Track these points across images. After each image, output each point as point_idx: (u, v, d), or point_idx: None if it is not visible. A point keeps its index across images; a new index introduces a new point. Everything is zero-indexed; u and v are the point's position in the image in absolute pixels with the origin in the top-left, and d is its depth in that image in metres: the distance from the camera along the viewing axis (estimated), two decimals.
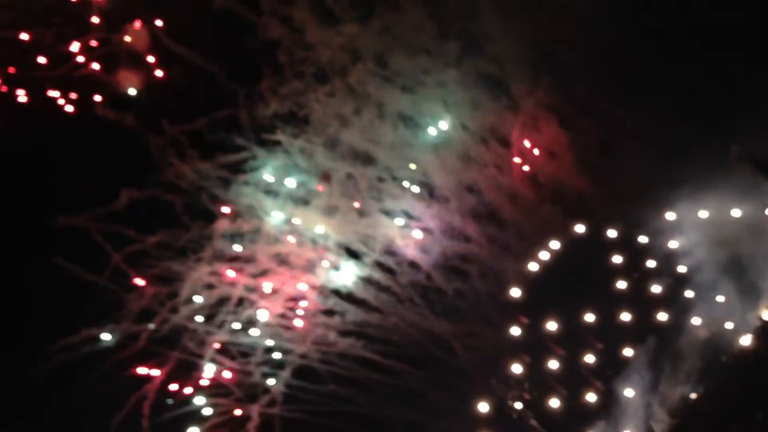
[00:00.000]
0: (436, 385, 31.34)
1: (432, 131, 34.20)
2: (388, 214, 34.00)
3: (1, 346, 32.09)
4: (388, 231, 33.62)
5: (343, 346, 33.10)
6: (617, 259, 29.01)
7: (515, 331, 28.63)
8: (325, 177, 33.59)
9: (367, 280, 33.48)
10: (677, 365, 27.30)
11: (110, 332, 33.42)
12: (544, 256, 29.27)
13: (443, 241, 33.52)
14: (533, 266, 29.23)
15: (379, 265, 33.59)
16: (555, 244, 29.27)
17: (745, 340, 26.72)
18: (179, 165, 34.30)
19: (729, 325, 27.52)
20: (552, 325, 28.56)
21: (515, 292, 28.90)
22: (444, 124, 34.09)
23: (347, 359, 32.88)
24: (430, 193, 34.09)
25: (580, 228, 29.23)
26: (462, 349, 31.71)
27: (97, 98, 35.51)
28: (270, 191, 34.23)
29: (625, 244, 29.14)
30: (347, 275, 33.60)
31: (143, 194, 34.06)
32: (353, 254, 33.99)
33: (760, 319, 26.60)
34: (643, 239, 29.02)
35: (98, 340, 33.26)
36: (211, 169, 34.22)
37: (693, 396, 26.88)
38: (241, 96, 34.95)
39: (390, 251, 33.76)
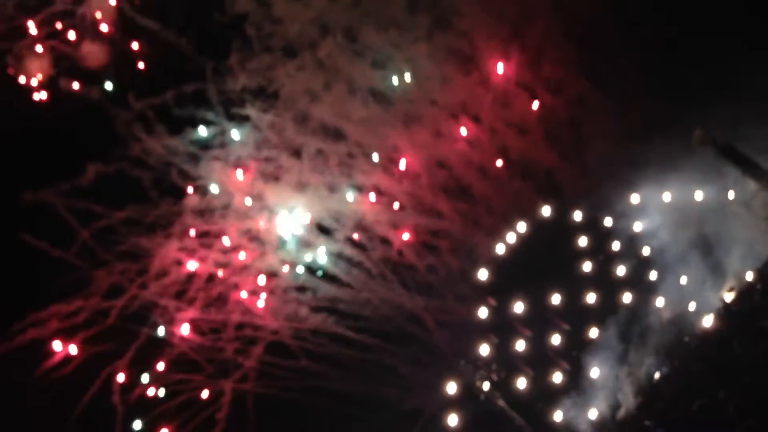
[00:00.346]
0: (407, 360, 31.73)
1: (402, 106, 33.77)
2: (359, 189, 33.74)
3: None
4: (359, 207, 33.35)
5: (314, 321, 33.20)
6: (582, 241, 29.14)
7: (483, 312, 28.63)
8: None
9: (338, 256, 33.60)
10: (642, 345, 27.63)
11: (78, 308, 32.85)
12: (510, 238, 29.38)
13: (414, 217, 33.65)
14: (500, 248, 29.35)
15: (351, 241, 33.55)
16: (522, 227, 29.46)
17: (708, 321, 26.91)
18: (147, 140, 33.62)
19: (692, 307, 27.79)
20: (519, 307, 28.64)
21: (482, 274, 29.01)
22: (414, 100, 33.80)
23: (319, 335, 33.06)
24: (400, 168, 33.76)
25: (546, 210, 29.38)
26: (434, 325, 32.08)
27: (61, 72, 34.99)
28: (239, 166, 33.68)
29: (590, 226, 29.37)
30: (318, 251, 33.54)
31: (110, 168, 33.49)
32: (324, 230, 33.54)
33: (722, 300, 26.96)
34: (608, 221, 29.36)
35: (67, 315, 32.85)
36: (179, 144, 33.72)
37: (657, 375, 27.02)
38: (209, 70, 34.13)
39: (361, 227, 33.52)
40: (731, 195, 28.48)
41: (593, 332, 28.66)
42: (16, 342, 33.46)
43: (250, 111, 35.13)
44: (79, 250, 34.24)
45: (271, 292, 34.68)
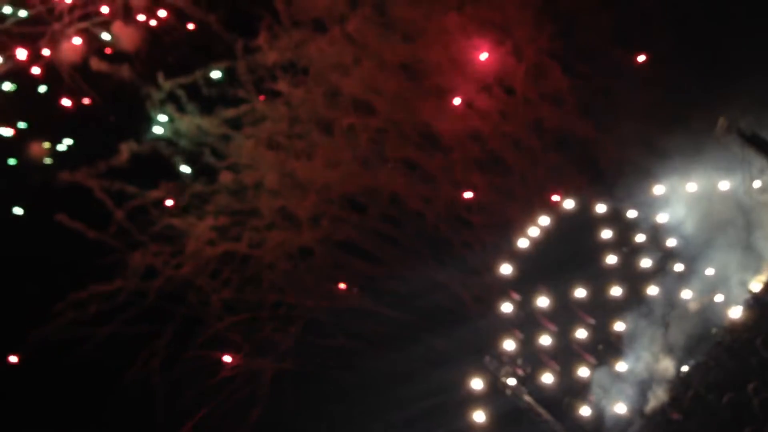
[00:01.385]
0: (444, 336, 32.18)
1: (432, 80, 33.74)
2: (391, 164, 33.98)
3: (9, 304, 33.33)
4: (392, 182, 33.61)
5: (350, 299, 33.69)
6: (606, 233, 29.25)
7: (506, 307, 28.96)
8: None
9: (372, 232, 33.89)
10: (669, 338, 27.72)
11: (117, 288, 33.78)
12: (533, 232, 29.54)
13: (448, 191, 33.82)
14: (523, 242, 29.58)
15: (385, 216, 33.79)
16: (544, 220, 29.59)
17: (735, 313, 26.92)
18: (178, 119, 33.89)
19: (719, 298, 27.73)
20: (543, 301, 29.01)
21: (505, 269, 29.30)
22: (445, 72, 33.72)
23: (355, 312, 33.53)
24: (433, 142, 33.83)
25: (569, 203, 29.39)
26: (470, 300, 32.42)
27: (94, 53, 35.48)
28: (272, 144, 34.05)
29: (614, 218, 29.38)
30: (352, 228, 33.91)
31: (143, 148, 33.79)
32: (358, 206, 33.66)
33: (750, 291, 26.94)
34: (631, 213, 29.24)
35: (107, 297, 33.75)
36: (211, 123, 33.89)
37: (685, 368, 27.15)
38: (238, 47, 34.21)
39: (395, 202, 33.77)
40: (757, 184, 27.94)
41: (619, 326, 28.58)
42: (58, 322, 33.84)
43: (281, 87, 34.27)
44: (115, 232, 34.57)
45: (306, 270, 34.13)
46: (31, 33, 36.01)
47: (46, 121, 35.53)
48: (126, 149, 34.76)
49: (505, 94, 34.05)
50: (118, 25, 35.78)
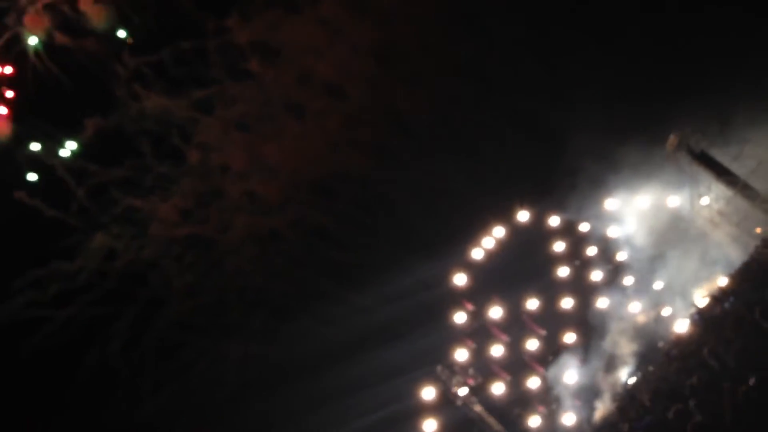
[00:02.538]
0: (396, 346, 32.61)
1: (402, 65, 33.93)
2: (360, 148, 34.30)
3: None
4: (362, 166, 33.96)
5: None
6: (559, 246, 29.94)
7: (460, 317, 29.69)
8: None
9: (342, 217, 34.23)
10: (617, 350, 28.59)
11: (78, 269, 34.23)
12: (488, 243, 30.18)
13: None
14: (478, 253, 30.17)
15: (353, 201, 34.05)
16: (499, 231, 30.18)
17: (681, 326, 27.79)
18: (145, 99, 34.13)
19: (666, 312, 28.54)
20: (496, 312, 29.67)
21: (460, 279, 29.89)
22: (417, 57, 33.93)
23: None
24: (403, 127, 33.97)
25: (524, 216, 30.04)
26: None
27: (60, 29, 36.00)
28: (241, 126, 34.18)
29: (567, 230, 30.00)
30: (323, 212, 34.18)
31: (109, 124, 33.95)
32: (326, 191, 34.12)
33: (695, 306, 27.69)
34: (584, 227, 29.88)
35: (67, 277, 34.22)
36: (179, 103, 34.16)
37: (632, 380, 28.02)
38: (209, 26, 34.94)
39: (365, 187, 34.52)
40: (705, 201, 28.73)
41: (569, 337, 29.25)
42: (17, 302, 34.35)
43: (252, 69, 34.78)
44: (77, 211, 35.11)
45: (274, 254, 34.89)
46: None
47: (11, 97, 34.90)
48: (91, 126, 34.15)
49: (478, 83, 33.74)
50: (85, 2, 35.05)
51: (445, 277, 31.59)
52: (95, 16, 35.89)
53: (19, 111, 35.66)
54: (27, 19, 35.84)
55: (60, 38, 35.83)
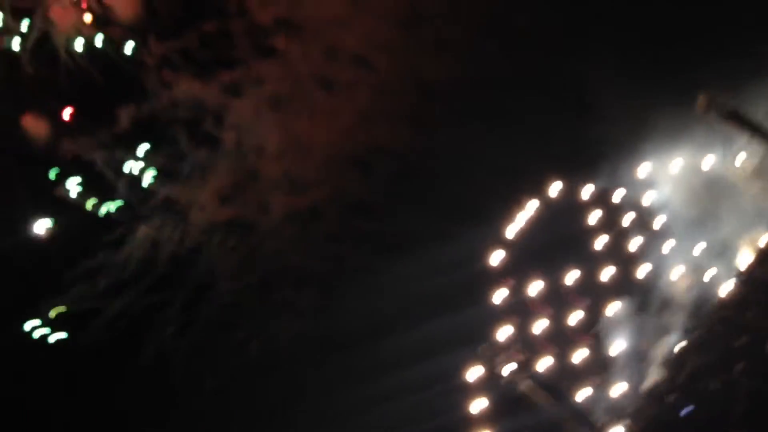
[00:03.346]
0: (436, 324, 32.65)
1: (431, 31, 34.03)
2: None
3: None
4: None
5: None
6: (594, 216, 29.64)
7: (500, 295, 29.54)
8: None
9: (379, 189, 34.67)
10: (662, 318, 28.43)
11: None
12: (521, 218, 30.00)
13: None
14: (512, 229, 29.98)
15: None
16: (532, 205, 29.98)
17: (726, 289, 27.58)
18: (175, 86, 34.78)
19: (709, 275, 28.28)
20: (536, 286, 29.38)
21: (496, 257, 29.70)
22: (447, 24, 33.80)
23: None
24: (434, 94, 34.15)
25: (555, 188, 29.81)
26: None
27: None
28: (271, 105, 34.57)
29: (601, 200, 29.74)
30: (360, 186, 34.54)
31: (141, 114, 34.71)
32: (362, 165, 34.79)
33: (738, 267, 27.39)
34: (617, 195, 29.64)
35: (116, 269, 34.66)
36: (208, 88, 34.55)
37: (679, 347, 27.83)
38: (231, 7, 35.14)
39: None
40: (740, 159, 28.36)
41: (612, 308, 29.03)
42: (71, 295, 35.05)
43: (277, 46, 35.14)
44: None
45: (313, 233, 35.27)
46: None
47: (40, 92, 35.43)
48: (125, 116, 34.58)
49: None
50: None
51: (482, 252, 30.95)
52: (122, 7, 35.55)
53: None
54: (55, 14, 35.50)
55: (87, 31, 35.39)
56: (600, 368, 29.97)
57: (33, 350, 35.10)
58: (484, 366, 30.37)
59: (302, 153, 35.14)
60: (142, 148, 35.79)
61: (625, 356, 29.79)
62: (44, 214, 35.54)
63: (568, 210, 31.12)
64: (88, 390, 34.62)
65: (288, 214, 35.49)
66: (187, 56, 35.70)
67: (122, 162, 35.84)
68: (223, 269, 35.71)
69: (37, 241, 35.33)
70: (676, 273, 29.95)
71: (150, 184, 35.75)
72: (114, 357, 34.93)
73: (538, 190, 31.59)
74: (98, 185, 35.85)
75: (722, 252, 29.40)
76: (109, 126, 35.57)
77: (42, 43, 36.29)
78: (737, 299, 28.55)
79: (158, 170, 35.94)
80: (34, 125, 35.94)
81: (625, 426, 28.82)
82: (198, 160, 35.57)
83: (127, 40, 35.92)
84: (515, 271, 31.05)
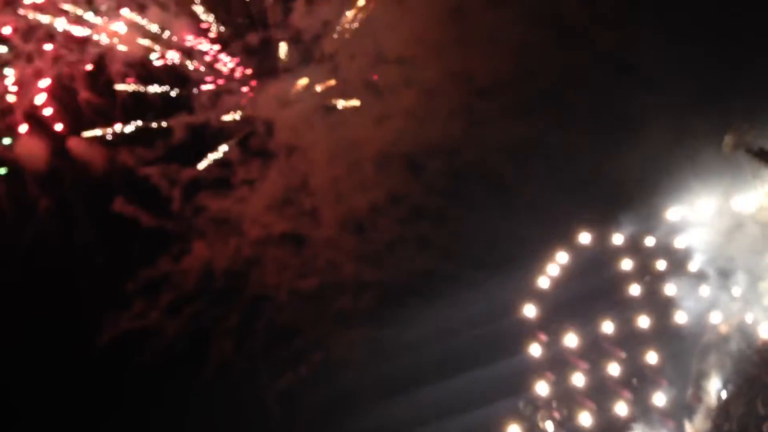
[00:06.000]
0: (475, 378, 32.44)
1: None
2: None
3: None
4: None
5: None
6: (627, 264, 29.42)
7: (535, 350, 29.33)
8: None
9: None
10: (703, 364, 28.04)
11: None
12: (553, 270, 29.79)
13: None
14: (544, 282, 29.79)
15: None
16: (563, 257, 29.76)
17: (766, 330, 27.13)
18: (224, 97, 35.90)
19: (749, 318, 27.87)
20: (571, 340, 29.16)
21: (529, 310, 29.52)
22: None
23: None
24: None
25: (585, 237, 29.59)
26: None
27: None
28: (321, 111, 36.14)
29: (632, 247, 29.56)
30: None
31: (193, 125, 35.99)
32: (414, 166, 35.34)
33: None
34: (649, 241, 29.38)
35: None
36: (256, 98, 36.21)
37: (724, 394, 27.47)
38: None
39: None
40: None
41: (651, 356, 28.74)
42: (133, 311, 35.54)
43: (325, 51, 35.84)
44: (174, 217, 36.26)
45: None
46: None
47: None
48: (178, 129, 35.69)
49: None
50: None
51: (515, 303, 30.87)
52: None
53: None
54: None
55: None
56: (643, 420, 29.42)
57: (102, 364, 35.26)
58: (525, 422, 29.92)
59: (354, 158, 35.15)
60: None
61: (669, 406, 29.26)
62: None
63: (600, 258, 30.69)
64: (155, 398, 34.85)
65: (340, 222, 35.73)
66: (233, 67, 35.73)
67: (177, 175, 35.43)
68: (279, 281, 35.86)
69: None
70: (715, 317, 29.35)
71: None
72: (177, 369, 35.27)
73: (569, 240, 31.17)
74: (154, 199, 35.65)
75: (760, 292, 28.88)
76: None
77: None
78: None
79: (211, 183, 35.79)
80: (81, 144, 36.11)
81: None
82: (249, 171, 35.50)
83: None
84: (550, 324, 30.57)
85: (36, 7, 35.62)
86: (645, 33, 31.11)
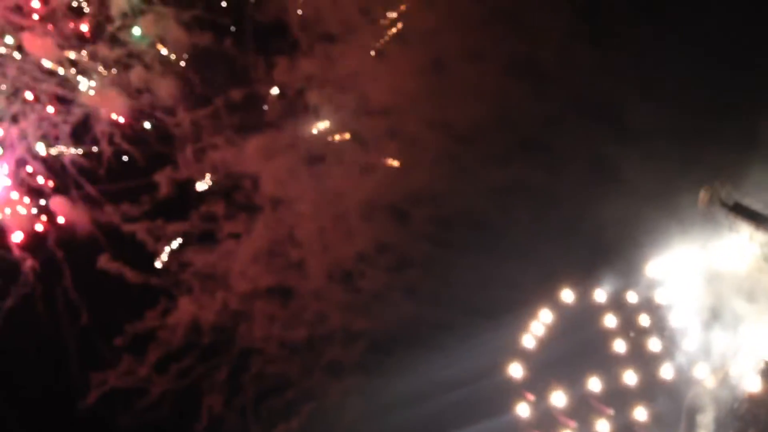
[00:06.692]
0: None
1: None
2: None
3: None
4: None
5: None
6: (610, 320, 29.49)
7: (523, 410, 29.46)
8: None
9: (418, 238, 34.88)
10: (692, 418, 28.13)
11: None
12: (537, 329, 29.94)
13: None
14: (529, 341, 29.93)
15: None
16: (546, 316, 29.90)
17: (753, 384, 27.21)
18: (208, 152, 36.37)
19: (735, 370, 27.92)
20: (558, 398, 29.16)
21: (515, 370, 29.65)
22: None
23: None
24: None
25: (568, 296, 29.72)
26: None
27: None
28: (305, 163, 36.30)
29: (615, 304, 29.58)
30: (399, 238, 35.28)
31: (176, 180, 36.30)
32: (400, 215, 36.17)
33: (765, 360, 27.09)
34: (631, 297, 29.45)
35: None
36: (239, 152, 36.60)
37: None
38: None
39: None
40: (749, 250, 28.13)
41: (640, 413, 28.77)
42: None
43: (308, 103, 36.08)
44: (158, 272, 36.73)
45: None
46: None
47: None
48: (162, 184, 35.85)
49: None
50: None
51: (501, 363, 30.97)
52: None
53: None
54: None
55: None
56: None
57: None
58: None
59: (339, 209, 35.46)
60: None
61: None
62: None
63: (584, 315, 30.82)
64: None
65: (328, 273, 35.93)
66: (216, 122, 36.08)
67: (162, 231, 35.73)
68: (267, 334, 36.16)
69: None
70: (701, 371, 29.42)
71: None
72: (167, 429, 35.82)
73: (551, 298, 31.31)
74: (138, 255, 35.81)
75: (744, 344, 28.93)
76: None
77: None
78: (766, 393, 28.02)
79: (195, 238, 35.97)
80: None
81: None
82: (234, 225, 35.87)
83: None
84: (537, 383, 30.69)
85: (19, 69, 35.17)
86: (620, 83, 30.50)
